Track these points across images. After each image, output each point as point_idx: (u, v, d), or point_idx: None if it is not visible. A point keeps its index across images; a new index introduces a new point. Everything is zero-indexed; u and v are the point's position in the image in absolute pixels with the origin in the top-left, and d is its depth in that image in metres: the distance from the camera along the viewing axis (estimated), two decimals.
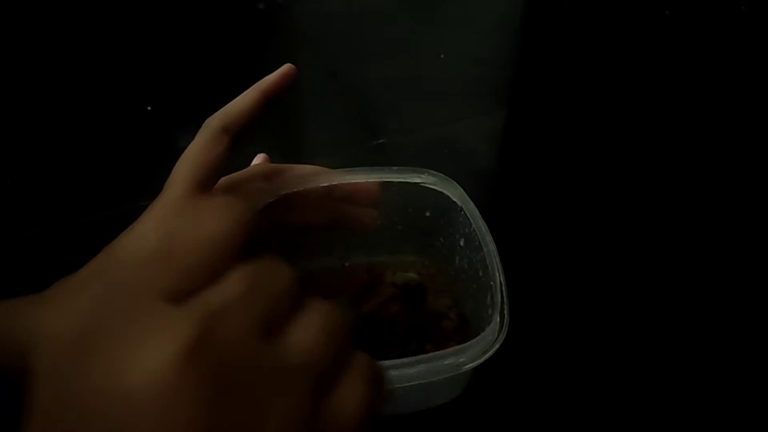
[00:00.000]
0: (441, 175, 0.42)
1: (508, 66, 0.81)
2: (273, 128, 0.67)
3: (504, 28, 0.87)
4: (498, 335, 0.33)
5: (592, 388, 0.46)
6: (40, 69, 0.73)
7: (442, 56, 0.78)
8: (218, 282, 0.18)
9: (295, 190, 0.39)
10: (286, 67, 0.40)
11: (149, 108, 0.68)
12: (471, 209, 0.40)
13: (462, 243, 0.42)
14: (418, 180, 0.42)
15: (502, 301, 0.34)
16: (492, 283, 0.35)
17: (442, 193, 0.41)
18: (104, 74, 0.73)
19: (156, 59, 0.76)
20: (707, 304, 0.52)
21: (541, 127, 0.70)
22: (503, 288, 0.34)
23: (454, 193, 0.41)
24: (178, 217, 0.32)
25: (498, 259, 0.36)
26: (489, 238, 0.37)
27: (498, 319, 0.33)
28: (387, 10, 0.86)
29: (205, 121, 0.38)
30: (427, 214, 0.44)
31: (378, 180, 0.41)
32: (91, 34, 0.79)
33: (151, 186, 0.60)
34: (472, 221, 0.39)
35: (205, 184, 0.35)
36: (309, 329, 0.18)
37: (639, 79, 0.76)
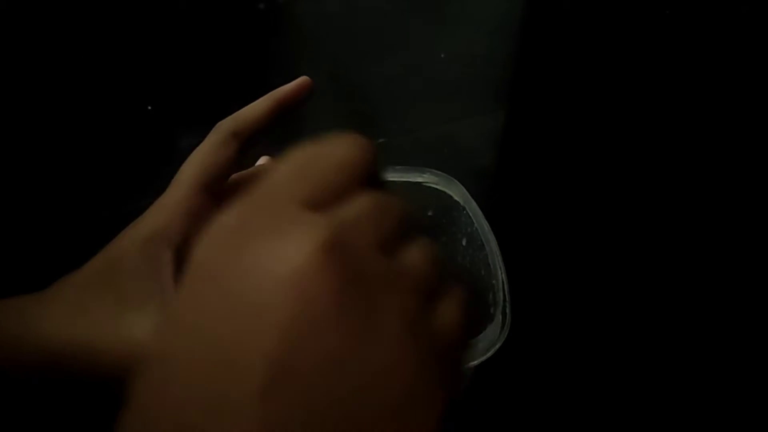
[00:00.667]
0: (443, 174, 0.42)
1: (508, 65, 0.81)
2: (273, 127, 0.67)
3: (504, 27, 0.87)
4: (500, 333, 0.33)
5: (594, 386, 0.46)
6: (41, 69, 0.74)
7: (442, 56, 0.78)
8: (348, 201, 0.20)
9: None
10: (302, 79, 0.40)
11: (150, 108, 0.68)
12: (473, 208, 0.40)
13: (464, 242, 0.42)
14: (420, 179, 0.42)
15: (505, 300, 0.34)
16: (494, 281, 0.35)
17: (444, 192, 0.41)
18: (105, 74, 0.73)
19: (156, 59, 0.76)
20: (707, 299, 0.52)
21: (541, 127, 0.70)
22: (505, 286, 0.35)
23: (456, 192, 0.41)
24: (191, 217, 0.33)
25: (500, 258, 0.36)
26: (491, 237, 0.38)
27: (500, 317, 0.34)
28: (387, 10, 0.86)
29: (216, 124, 0.38)
30: (429, 213, 0.44)
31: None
32: (92, 33, 0.79)
33: (152, 186, 0.60)
34: (474, 220, 0.39)
35: (211, 187, 0.35)
36: (418, 254, 0.21)
37: (639, 78, 0.76)
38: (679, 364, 0.48)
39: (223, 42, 0.79)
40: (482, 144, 0.68)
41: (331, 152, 0.22)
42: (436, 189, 0.42)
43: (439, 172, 0.42)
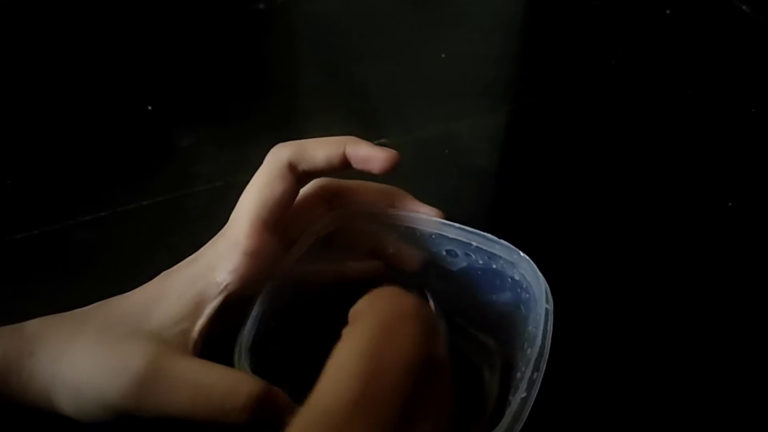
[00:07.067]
0: (535, 268, 0.37)
1: (508, 65, 0.81)
2: (273, 128, 0.67)
3: (504, 27, 0.87)
4: None
5: (595, 393, 0.46)
6: (40, 69, 0.74)
7: (442, 56, 0.78)
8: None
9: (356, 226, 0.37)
10: (389, 153, 0.37)
11: (149, 107, 0.68)
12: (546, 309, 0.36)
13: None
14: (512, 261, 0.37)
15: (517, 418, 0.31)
16: (524, 395, 0.32)
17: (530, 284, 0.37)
18: (105, 74, 0.73)
19: (156, 59, 0.76)
20: (711, 306, 0.52)
21: (542, 127, 0.70)
22: (529, 403, 0.31)
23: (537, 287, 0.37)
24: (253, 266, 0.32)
25: (540, 380, 0.33)
26: (544, 361, 0.34)
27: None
28: (387, 10, 0.86)
29: (274, 149, 0.35)
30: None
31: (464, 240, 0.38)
32: (92, 33, 0.79)
33: (152, 186, 0.60)
34: (540, 337, 0.35)
35: (269, 222, 0.33)
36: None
37: (639, 78, 0.76)
38: (681, 370, 0.48)
39: (223, 42, 0.79)
40: (482, 144, 0.68)
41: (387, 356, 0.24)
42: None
43: (531, 263, 0.38)
